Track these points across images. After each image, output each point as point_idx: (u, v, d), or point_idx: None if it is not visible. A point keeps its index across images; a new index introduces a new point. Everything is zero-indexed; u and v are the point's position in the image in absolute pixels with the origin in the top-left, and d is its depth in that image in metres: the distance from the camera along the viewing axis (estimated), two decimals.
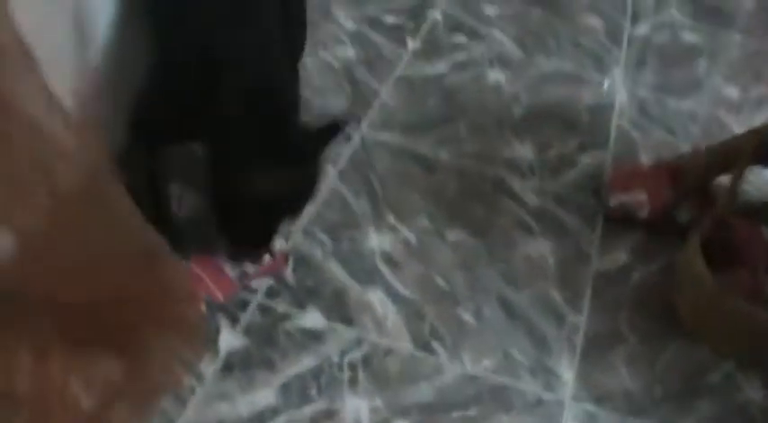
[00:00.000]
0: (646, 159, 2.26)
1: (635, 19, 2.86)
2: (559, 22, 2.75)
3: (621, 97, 2.47)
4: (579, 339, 1.79)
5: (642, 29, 2.83)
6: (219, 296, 1.71)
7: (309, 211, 1.93)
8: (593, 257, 1.97)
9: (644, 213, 2.01)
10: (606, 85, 2.52)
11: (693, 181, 2.03)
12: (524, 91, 2.43)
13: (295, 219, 1.82)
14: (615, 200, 2.03)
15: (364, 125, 2.21)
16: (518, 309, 1.82)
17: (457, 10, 2.72)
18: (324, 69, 2.35)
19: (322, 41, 2.43)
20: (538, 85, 2.46)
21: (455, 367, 1.69)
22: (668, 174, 2.05)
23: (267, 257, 1.77)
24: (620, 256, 1.99)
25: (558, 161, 2.21)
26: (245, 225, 1.67)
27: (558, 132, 2.30)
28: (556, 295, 1.87)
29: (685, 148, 2.30)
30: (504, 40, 2.62)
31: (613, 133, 2.33)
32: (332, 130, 1.66)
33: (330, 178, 2.03)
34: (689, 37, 2.82)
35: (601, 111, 2.41)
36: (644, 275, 1.96)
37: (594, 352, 1.78)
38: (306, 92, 2.12)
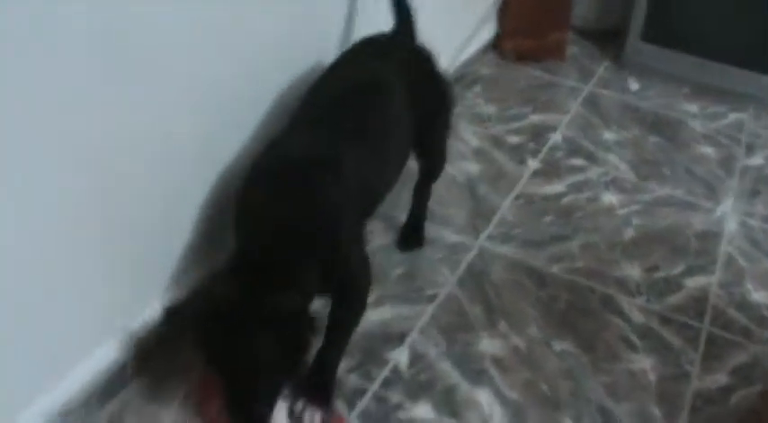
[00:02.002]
0: (751, 287, 2.34)
1: (749, 150, 2.96)
2: (674, 150, 2.88)
3: (731, 225, 2.57)
4: None
5: (756, 160, 2.93)
6: None
7: (426, 312, 2.10)
8: (693, 377, 2.05)
9: None
10: (720, 213, 2.61)
11: None
12: (636, 214, 2.56)
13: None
14: None
15: (483, 237, 2.38)
16: (617, 419, 1.92)
17: (577, 134, 2.89)
18: (449, 182, 2.54)
19: (449, 157, 2.62)
20: (650, 209, 2.59)
21: None
22: None
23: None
24: (721, 378, 2.07)
25: (664, 283, 2.32)
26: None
27: (667, 255, 2.42)
28: (654, 410, 1.96)
29: None
30: (620, 165, 2.77)
31: (721, 260, 2.43)
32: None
33: (448, 284, 2.20)
34: None
35: (710, 237, 2.52)
36: (744, 398, 2.02)
37: None
38: (431, 202, 2.34)
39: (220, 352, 1.62)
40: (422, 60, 2.13)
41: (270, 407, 1.67)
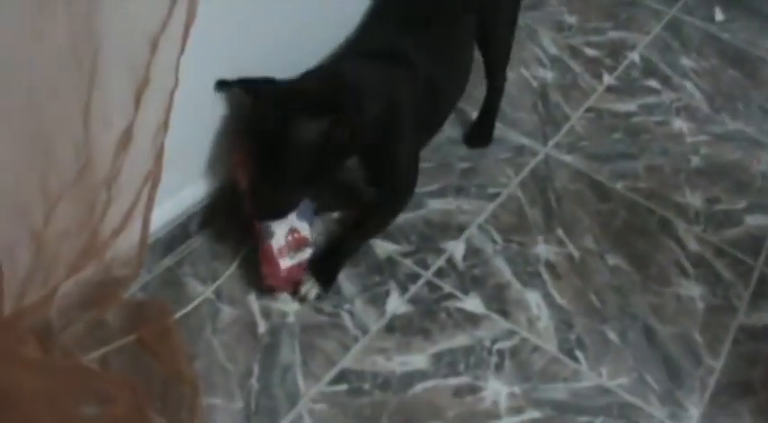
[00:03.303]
0: None
1: None
2: (752, 87, 2.82)
3: None
4: (712, 382, 1.89)
5: None
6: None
7: (487, 209, 2.11)
8: (739, 311, 2.06)
9: None
10: None
11: None
12: (705, 144, 2.52)
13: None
14: None
15: (550, 144, 2.36)
16: (660, 339, 1.94)
17: (655, 56, 2.83)
18: (522, 86, 2.51)
19: (525, 60, 2.60)
20: (719, 142, 2.55)
21: (592, 377, 1.83)
22: None
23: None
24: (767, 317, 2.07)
25: (724, 216, 2.30)
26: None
27: (730, 189, 2.39)
28: (697, 337, 1.97)
29: None
30: (694, 93, 2.72)
31: None
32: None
33: (511, 184, 2.20)
34: None
35: None
36: None
37: (724, 397, 1.87)
38: (503, 103, 2.32)
39: (263, 131, 1.72)
40: None
41: (289, 202, 1.77)
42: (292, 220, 1.80)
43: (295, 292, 1.83)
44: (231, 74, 1.75)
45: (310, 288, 1.82)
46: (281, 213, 1.77)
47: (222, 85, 1.75)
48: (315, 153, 1.71)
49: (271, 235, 1.78)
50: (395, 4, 2.04)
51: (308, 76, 1.82)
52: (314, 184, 1.80)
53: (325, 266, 1.85)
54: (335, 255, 1.88)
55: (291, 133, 1.68)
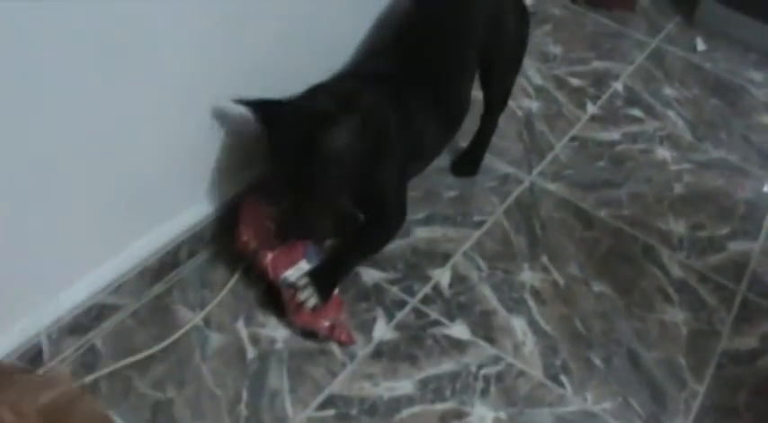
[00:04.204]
0: None
1: None
2: (734, 115, 2.86)
3: None
4: (696, 405, 1.91)
5: None
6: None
7: (472, 237, 2.14)
8: (723, 336, 2.08)
9: None
10: (767, 187, 2.60)
11: None
12: (688, 172, 2.56)
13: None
14: None
15: (535, 172, 2.40)
16: (644, 364, 1.96)
17: (638, 85, 2.88)
18: (508, 116, 2.54)
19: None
20: (702, 170, 2.59)
21: (577, 402, 1.85)
22: None
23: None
24: (750, 341, 2.10)
25: (707, 242, 2.33)
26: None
27: (713, 216, 2.42)
28: (681, 361, 1.99)
29: None
30: (677, 122, 2.76)
31: (766, 229, 2.43)
32: None
33: (496, 212, 2.23)
34: None
35: (758, 205, 2.51)
36: None
37: (708, 420, 1.89)
38: None
39: (291, 150, 1.73)
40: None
41: (321, 222, 1.83)
42: (304, 266, 1.83)
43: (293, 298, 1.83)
44: (223, 98, 1.78)
45: (309, 297, 1.81)
46: (313, 232, 1.84)
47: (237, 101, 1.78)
48: (351, 156, 1.74)
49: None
50: (398, 34, 2.07)
51: (310, 93, 1.83)
52: (342, 197, 1.86)
53: (324, 278, 1.85)
54: (335, 269, 1.88)
55: (325, 141, 1.70)
